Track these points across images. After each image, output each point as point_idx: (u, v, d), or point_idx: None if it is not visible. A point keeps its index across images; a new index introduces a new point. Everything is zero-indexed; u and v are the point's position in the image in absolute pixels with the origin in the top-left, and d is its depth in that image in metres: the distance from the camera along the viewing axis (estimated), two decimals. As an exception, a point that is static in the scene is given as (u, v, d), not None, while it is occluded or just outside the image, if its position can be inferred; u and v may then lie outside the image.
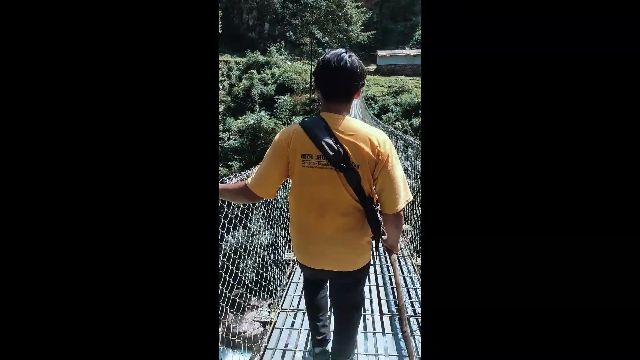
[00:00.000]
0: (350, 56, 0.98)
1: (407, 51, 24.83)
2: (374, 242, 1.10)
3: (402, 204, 1.00)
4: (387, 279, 2.37)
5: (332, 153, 0.94)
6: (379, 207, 1.03)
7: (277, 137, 1.05)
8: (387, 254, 1.89)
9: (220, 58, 22.84)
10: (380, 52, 24.77)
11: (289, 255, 2.54)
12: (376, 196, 1.02)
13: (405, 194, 1.00)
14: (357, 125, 0.99)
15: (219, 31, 22.01)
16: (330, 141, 0.95)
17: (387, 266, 2.46)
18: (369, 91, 19.96)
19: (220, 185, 1.15)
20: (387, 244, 1.15)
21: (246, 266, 1.97)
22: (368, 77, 22.65)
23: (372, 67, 24.88)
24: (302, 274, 1.44)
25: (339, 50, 0.99)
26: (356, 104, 16.73)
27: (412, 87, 18.73)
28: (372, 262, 1.18)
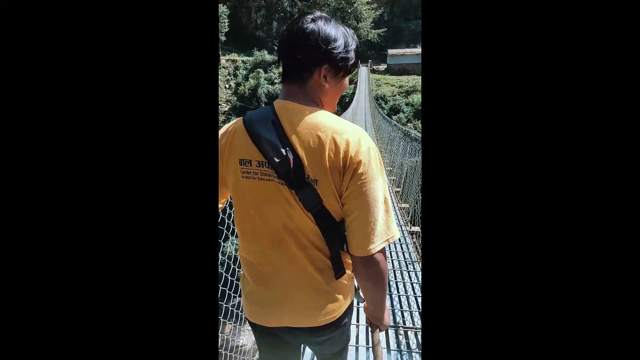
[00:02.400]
0: (315, 19, 0.66)
1: (418, 50, 24.08)
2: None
3: (378, 243, 0.64)
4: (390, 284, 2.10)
5: (277, 160, 0.63)
6: None
7: None
8: (368, 327, 1.13)
9: (227, 57, 22.64)
10: (391, 51, 24.09)
11: None
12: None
13: (384, 228, 0.65)
14: (320, 119, 0.65)
15: (226, 29, 21.81)
16: (275, 142, 0.64)
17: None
18: (378, 91, 19.35)
19: None
20: (367, 314, 0.80)
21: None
22: (377, 76, 22.07)
23: (383, 67, 24.26)
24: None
25: (309, 13, 0.68)
26: (365, 102, 16.09)
27: (425, 87, 17.94)
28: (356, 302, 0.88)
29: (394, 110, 17.46)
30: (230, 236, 1.49)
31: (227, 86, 21.11)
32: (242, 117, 0.70)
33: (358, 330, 1.89)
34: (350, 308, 0.79)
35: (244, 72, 21.20)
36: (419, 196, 3.52)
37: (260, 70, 20.43)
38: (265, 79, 19.95)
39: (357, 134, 0.64)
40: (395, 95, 18.85)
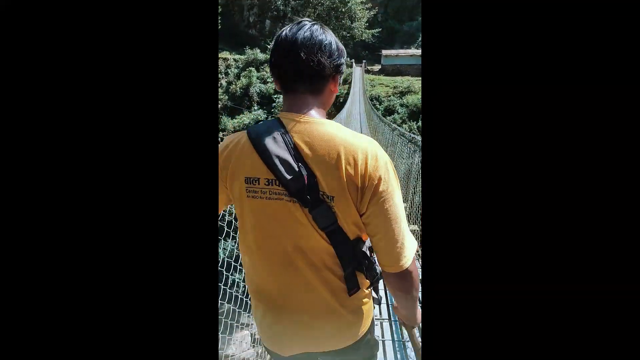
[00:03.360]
0: (313, 25, 0.65)
1: (412, 51, 23.96)
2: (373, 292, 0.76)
3: (409, 256, 0.65)
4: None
5: (289, 177, 0.61)
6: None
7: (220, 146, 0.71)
8: (401, 324, 1.21)
9: (218, 55, 22.10)
10: (385, 52, 23.88)
11: None
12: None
13: (410, 239, 0.65)
14: (333, 131, 0.62)
15: (218, 27, 21.35)
16: (287, 157, 0.61)
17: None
18: (373, 91, 19.10)
19: None
20: (399, 316, 0.81)
21: (240, 278, 1.74)
22: (372, 77, 21.84)
23: (377, 67, 24.04)
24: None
25: (302, 20, 0.66)
26: (359, 102, 15.79)
27: (419, 88, 17.79)
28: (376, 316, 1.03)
29: (389, 111, 17.22)
30: (221, 240, 1.45)
31: (218, 85, 20.68)
32: (245, 131, 0.67)
33: (382, 326, 1.95)
34: (372, 325, 0.77)
35: (236, 70, 20.77)
36: (414, 195, 3.57)
37: (252, 69, 20.02)
38: (257, 78, 19.54)
39: (374, 148, 0.62)
40: (389, 96, 18.63)
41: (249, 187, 0.64)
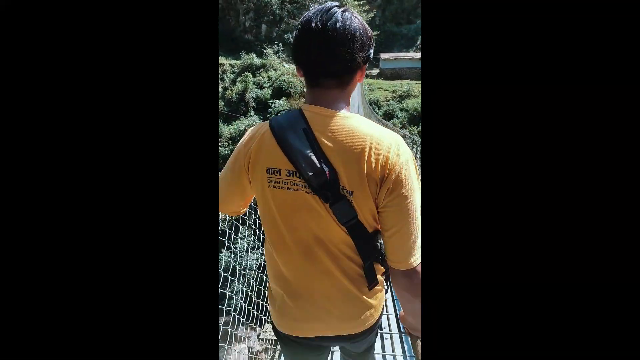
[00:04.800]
0: (344, 12, 0.61)
1: (412, 54, 23.56)
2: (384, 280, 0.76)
3: (419, 255, 0.64)
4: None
5: (311, 173, 0.60)
6: None
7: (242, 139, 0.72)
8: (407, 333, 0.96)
9: (213, 60, 21.75)
10: (383, 55, 23.45)
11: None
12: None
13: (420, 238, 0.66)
14: (358, 125, 0.62)
15: (213, 32, 21.02)
16: (309, 154, 0.61)
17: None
18: (372, 95, 18.66)
19: None
20: (406, 325, 0.78)
21: (232, 292, 1.54)
22: (370, 81, 21.42)
23: (375, 71, 23.62)
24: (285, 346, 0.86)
25: (329, 3, 0.61)
26: (358, 107, 15.29)
27: (419, 92, 17.30)
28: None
29: (388, 116, 16.75)
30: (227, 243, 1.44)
31: (213, 90, 20.26)
32: (267, 122, 0.68)
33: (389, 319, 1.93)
34: (382, 313, 0.79)
35: (232, 76, 20.33)
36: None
37: (249, 74, 19.57)
38: (253, 83, 19.07)
39: (397, 143, 0.61)
40: (388, 100, 18.17)
41: (270, 178, 0.65)
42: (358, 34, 0.60)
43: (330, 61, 0.60)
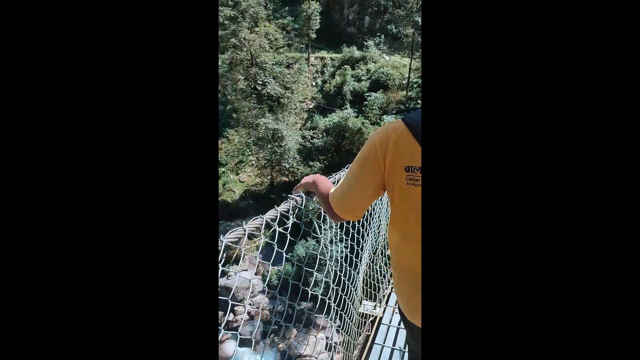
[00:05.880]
0: None
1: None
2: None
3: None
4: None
5: None
6: None
7: (371, 137, 0.75)
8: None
9: (316, 55, 22.61)
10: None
11: None
12: None
13: None
14: None
15: (317, 27, 21.79)
16: None
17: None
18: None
19: (314, 177, 0.98)
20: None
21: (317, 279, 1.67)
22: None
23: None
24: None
25: None
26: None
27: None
28: None
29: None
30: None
31: (313, 84, 21.12)
32: (399, 121, 0.69)
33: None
34: None
35: (331, 69, 20.85)
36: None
37: (348, 67, 19.75)
38: (351, 76, 19.20)
39: None
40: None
41: (408, 175, 0.68)
42: None
43: None
